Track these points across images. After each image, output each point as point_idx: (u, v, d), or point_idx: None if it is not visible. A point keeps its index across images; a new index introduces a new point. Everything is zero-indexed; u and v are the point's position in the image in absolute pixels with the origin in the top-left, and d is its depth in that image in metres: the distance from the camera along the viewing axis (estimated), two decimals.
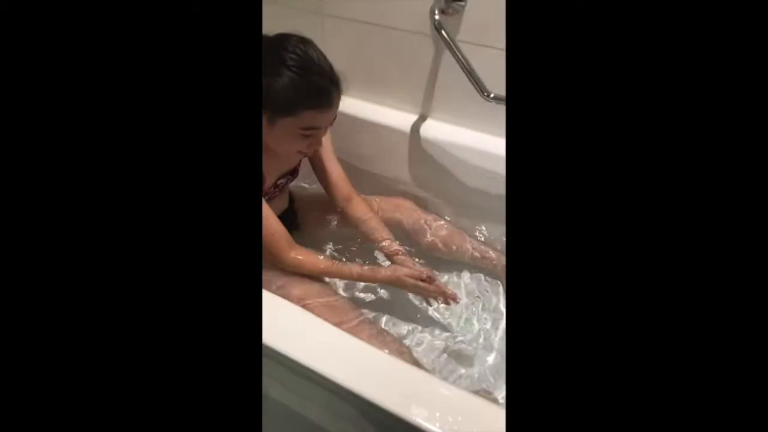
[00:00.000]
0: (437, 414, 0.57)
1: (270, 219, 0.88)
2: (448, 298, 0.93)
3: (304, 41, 0.79)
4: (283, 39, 0.79)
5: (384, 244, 0.99)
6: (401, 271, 0.91)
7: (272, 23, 1.19)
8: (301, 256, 0.89)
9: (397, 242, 1.00)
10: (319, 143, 0.87)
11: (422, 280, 0.91)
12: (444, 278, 1.10)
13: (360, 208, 1.02)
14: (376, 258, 1.12)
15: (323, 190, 1.06)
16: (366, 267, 0.93)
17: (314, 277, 0.92)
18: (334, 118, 0.84)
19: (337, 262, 0.93)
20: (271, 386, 0.79)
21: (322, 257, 0.94)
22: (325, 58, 0.80)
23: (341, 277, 0.95)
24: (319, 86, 0.77)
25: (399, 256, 0.97)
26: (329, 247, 1.17)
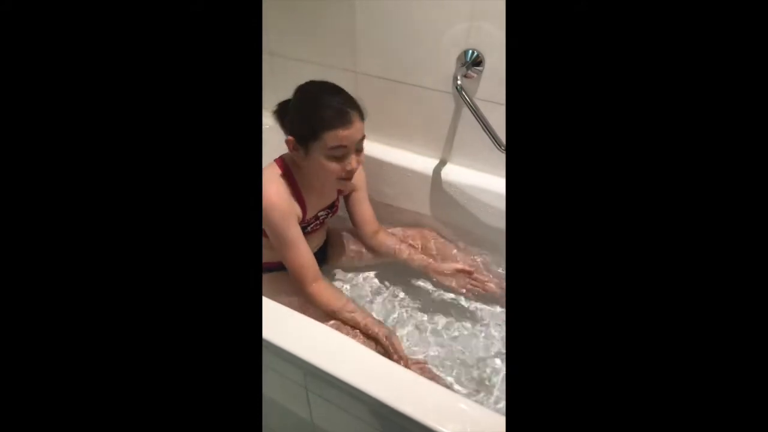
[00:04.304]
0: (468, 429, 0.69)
1: (304, 251, 0.99)
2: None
3: (322, 80, 0.93)
4: (304, 84, 0.95)
5: (415, 257, 1.15)
6: (394, 340, 0.95)
7: (311, 80, 1.33)
8: (321, 290, 0.99)
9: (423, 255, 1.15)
10: (354, 169, 0.95)
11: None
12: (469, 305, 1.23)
13: (386, 237, 1.18)
14: (401, 282, 1.25)
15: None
16: (369, 320, 0.99)
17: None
18: (362, 139, 0.93)
19: (352, 303, 1.01)
20: (315, 402, 0.91)
21: (339, 298, 1.01)
22: (337, 86, 0.93)
23: (347, 321, 0.99)
24: (334, 107, 0.89)
25: (433, 265, 1.12)
26: (362, 276, 1.30)
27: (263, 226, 0.97)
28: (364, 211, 1.17)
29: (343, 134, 0.89)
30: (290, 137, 0.94)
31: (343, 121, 0.89)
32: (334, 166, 0.93)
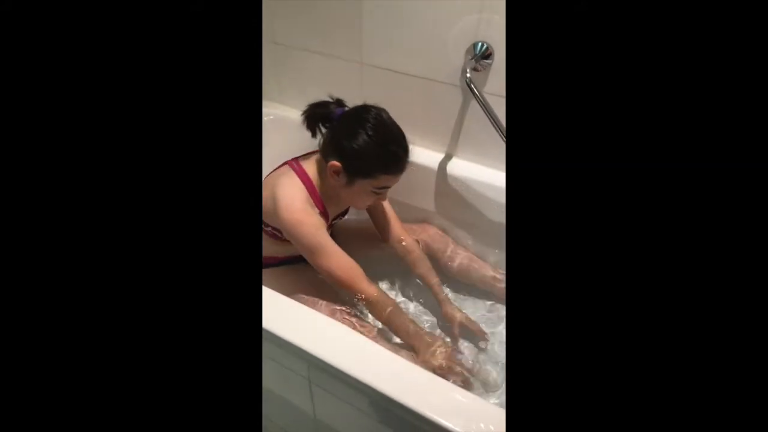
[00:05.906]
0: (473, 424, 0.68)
1: (342, 254, 0.96)
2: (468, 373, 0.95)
3: (381, 112, 0.92)
4: (363, 110, 0.92)
5: (434, 286, 1.14)
6: (443, 354, 0.91)
7: (317, 70, 1.33)
8: (377, 290, 0.96)
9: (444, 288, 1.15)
10: (385, 198, 1.00)
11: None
12: (466, 302, 1.23)
13: (411, 249, 1.17)
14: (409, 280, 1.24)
15: (360, 224, 1.20)
16: (418, 327, 0.96)
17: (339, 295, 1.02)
18: None
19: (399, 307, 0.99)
20: (317, 394, 0.91)
21: (392, 302, 0.98)
22: (398, 127, 0.92)
23: (398, 325, 0.96)
24: (395, 154, 0.91)
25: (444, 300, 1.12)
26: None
27: (291, 240, 0.95)
28: (387, 214, 1.16)
29: (394, 178, 0.95)
30: (336, 163, 0.92)
31: (400, 168, 0.93)
32: (370, 198, 0.98)
